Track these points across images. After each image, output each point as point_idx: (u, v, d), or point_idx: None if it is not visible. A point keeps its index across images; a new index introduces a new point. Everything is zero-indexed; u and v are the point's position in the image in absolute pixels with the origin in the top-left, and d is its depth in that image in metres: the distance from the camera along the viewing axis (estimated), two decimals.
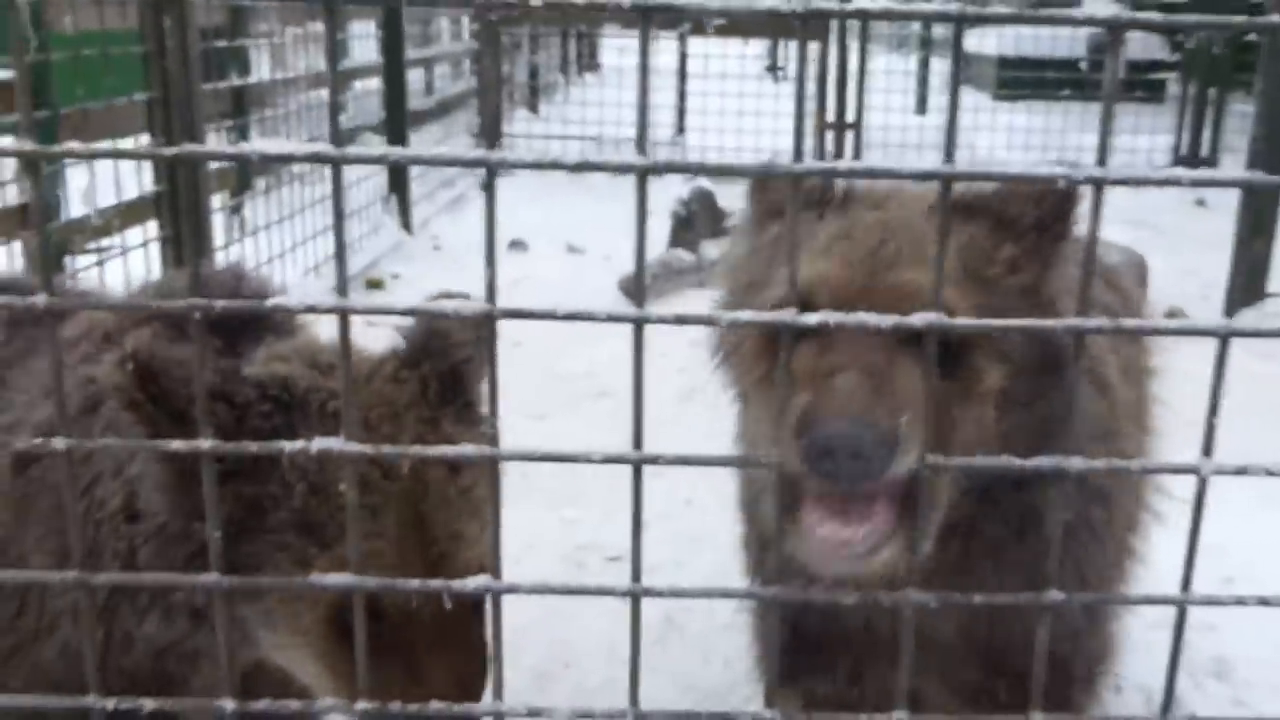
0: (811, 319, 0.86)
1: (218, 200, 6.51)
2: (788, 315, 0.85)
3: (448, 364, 1.91)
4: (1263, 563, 4.04)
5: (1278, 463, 1.03)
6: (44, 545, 2.04)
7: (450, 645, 1.79)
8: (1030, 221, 1.96)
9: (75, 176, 5.39)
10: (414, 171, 9.18)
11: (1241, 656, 3.56)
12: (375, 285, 7.53)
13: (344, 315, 0.90)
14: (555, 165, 0.86)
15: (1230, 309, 6.88)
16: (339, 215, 0.92)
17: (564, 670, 3.56)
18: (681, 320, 0.86)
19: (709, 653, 3.72)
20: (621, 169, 0.84)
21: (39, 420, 2.09)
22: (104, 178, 5.24)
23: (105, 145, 4.84)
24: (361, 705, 1.22)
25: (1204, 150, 12.32)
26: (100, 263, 5.37)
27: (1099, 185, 0.90)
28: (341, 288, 0.87)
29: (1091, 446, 2.05)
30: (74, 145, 1.14)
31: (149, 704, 1.27)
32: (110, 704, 1.27)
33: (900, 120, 13.31)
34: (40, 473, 2.07)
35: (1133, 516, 2.39)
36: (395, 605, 1.74)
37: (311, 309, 0.91)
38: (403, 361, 1.90)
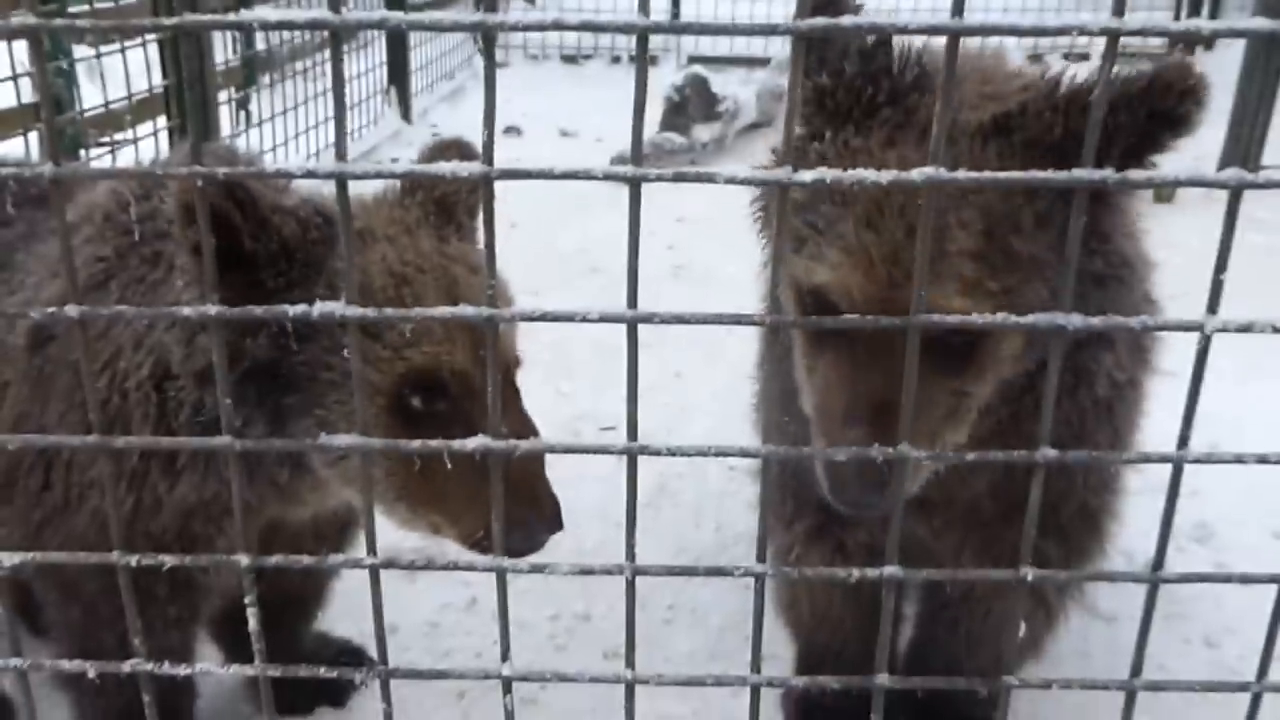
0: (805, 177, 0.84)
1: (224, 96, 6.36)
2: (781, 174, 0.83)
3: (437, 194, 2.04)
4: (1250, 429, 4.05)
5: None
6: (67, 419, 2.05)
7: (506, 413, 1.89)
8: (1057, 137, 1.76)
9: (86, 83, 5.24)
10: (414, 65, 8.96)
11: (1222, 521, 3.60)
12: None
13: (342, 180, 0.87)
14: (557, 26, 0.82)
15: (1235, 157, 6.67)
16: (339, 82, 0.89)
17: (560, 534, 3.60)
18: (678, 177, 0.83)
19: (700, 518, 3.76)
20: (624, 30, 0.80)
21: (49, 297, 2.09)
22: (114, 79, 5.08)
23: (108, 22, 4.71)
24: (370, 560, 1.23)
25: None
26: (112, 153, 5.30)
27: (1114, 37, 0.86)
28: (340, 152, 0.84)
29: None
30: (77, 23, 1.09)
31: (169, 560, 1.27)
32: (134, 560, 1.28)
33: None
34: (57, 350, 2.07)
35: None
36: (455, 377, 1.86)
37: (310, 174, 0.88)
38: (402, 192, 2.04)
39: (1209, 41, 11.37)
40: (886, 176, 0.93)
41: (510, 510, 1.72)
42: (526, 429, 1.98)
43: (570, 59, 11.83)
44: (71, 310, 1.00)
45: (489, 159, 0.86)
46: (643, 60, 0.85)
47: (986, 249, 1.75)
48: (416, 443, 1.10)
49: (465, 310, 0.99)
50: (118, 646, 2.05)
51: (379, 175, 0.88)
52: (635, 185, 0.85)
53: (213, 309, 0.97)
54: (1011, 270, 1.77)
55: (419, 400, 1.85)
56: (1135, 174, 1.11)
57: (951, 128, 1.83)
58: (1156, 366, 2.34)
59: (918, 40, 1.92)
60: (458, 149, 2.14)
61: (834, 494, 1.84)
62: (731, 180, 0.85)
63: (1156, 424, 2.27)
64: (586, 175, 0.86)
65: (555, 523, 1.95)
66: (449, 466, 1.85)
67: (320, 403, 1.84)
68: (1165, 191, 6.78)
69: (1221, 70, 8.56)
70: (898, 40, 1.87)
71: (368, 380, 1.83)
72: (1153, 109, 1.70)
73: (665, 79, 8.62)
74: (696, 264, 5.99)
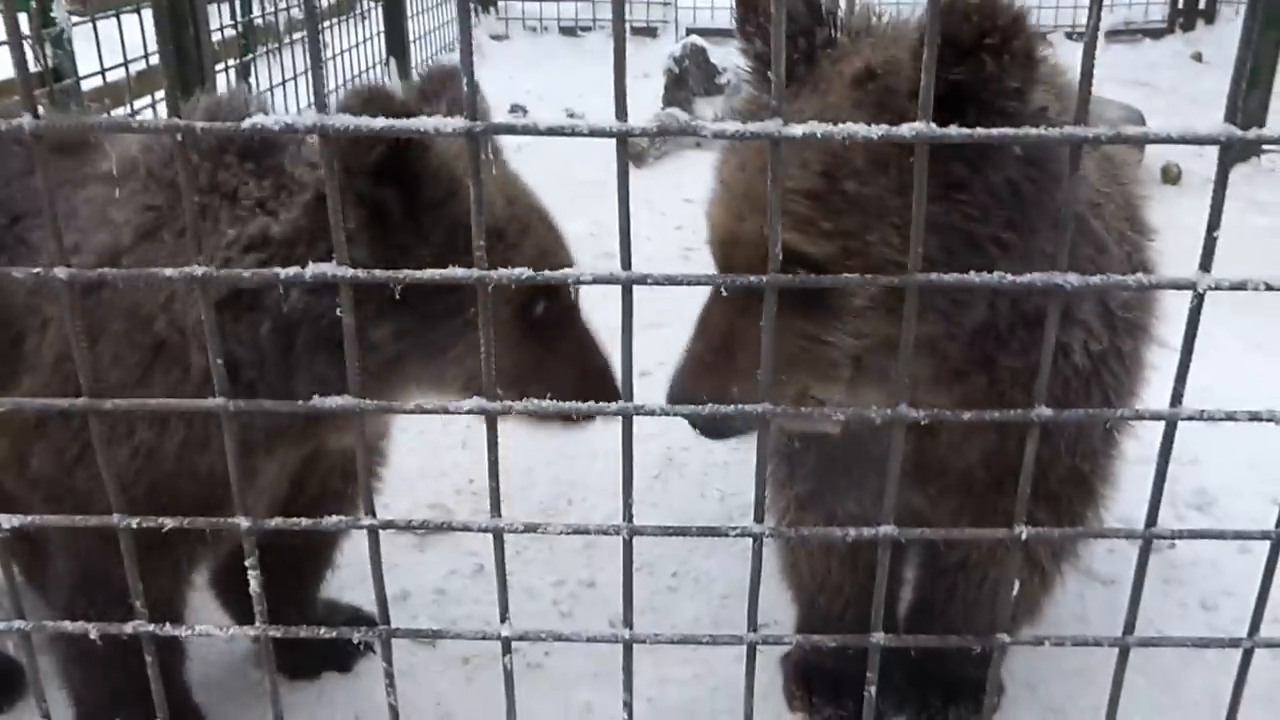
0: (796, 131, 0.82)
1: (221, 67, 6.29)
2: (772, 128, 0.81)
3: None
4: (1250, 403, 4.01)
5: (1276, 276, 0.98)
6: (120, 362, 2.09)
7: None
8: (905, 87, 1.68)
9: (83, 51, 5.19)
10: (412, 35, 8.87)
11: (1223, 490, 3.57)
12: None
13: (325, 134, 0.85)
14: None
15: (1230, 115, 6.56)
16: (312, 21, 0.87)
17: (568, 506, 3.61)
18: (662, 131, 0.81)
19: (706, 489, 3.76)
20: None
21: (98, 244, 2.11)
22: (110, 49, 5.05)
23: None
24: (369, 521, 1.22)
25: (1202, 4, 11.48)
26: None
27: None
28: (319, 103, 0.82)
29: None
30: None
31: (169, 523, 1.27)
32: (134, 522, 1.27)
33: None
34: (110, 295, 2.10)
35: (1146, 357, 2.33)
36: (564, 289, 2.19)
37: (290, 128, 0.86)
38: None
39: (1210, 15, 11.19)
40: (877, 131, 0.91)
41: (583, 385, 2.16)
42: (595, 343, 2.30)
43: (569, 31, 11.56)
44: (60, 273, 0.99)
45: (472, 114, 0.84)
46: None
47: (823, 189, 1.74)
48: (403, 404, 1.09)
49: (455, 272, 0.97)
50: (124, 593, 2.08)
51: (358, 131, 0.86)
52: (622, 140, 0.83)
53: (199, 270, 0.95)
54: (849, 213, 1.74)
55: (541, 305, 2.12)
56: (1130, 130, 1.09)
57: (831, 78, 1.85)
58: (1154, 335, 2.30)
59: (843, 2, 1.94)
60: (453, 78, 2.24)
61: (670, 399, 1.98)
62: (719, 135, 0.84)
63: (1155, 395, 2.25)
64: (571, 131, 0.84)
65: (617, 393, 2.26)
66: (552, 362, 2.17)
67: (455, 342, 2.05)
68: (1172, 173, 6.72)
69: (1222, 45, 8.46)
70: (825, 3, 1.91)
71: (503, 287, 2.03)
72: (944, 36, 1.52)
73: (664, 50, 8.55)
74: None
